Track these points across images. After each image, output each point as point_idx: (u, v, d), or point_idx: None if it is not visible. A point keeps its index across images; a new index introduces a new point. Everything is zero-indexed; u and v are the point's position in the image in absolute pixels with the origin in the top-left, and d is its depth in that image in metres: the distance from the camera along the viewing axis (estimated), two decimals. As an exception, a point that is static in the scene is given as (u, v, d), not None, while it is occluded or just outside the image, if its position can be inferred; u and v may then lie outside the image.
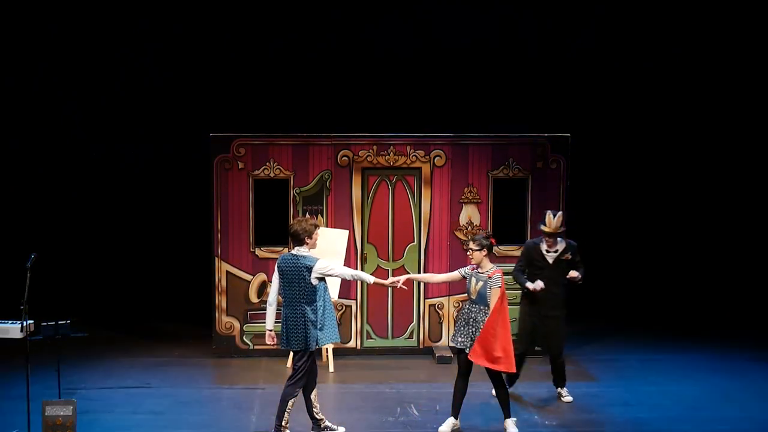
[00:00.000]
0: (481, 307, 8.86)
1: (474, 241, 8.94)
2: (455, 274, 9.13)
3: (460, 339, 8.95)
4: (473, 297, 8.91)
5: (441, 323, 11.85)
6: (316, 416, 8.92)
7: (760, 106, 14.53)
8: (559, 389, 10.18)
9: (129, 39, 13.83)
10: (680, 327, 13.25)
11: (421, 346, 11.87)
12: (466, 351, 8.87)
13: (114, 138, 14.21)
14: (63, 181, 14.22)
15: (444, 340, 11.83)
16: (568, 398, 10.08)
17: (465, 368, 9.02)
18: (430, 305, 11.84)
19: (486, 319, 8.77)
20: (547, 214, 9.90)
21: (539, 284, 9.87)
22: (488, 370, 8.94)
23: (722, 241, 14.91)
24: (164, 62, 13.94)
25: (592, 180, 14.08)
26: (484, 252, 8.90)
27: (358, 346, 11.84)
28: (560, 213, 9.94)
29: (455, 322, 9.22)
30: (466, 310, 8.99)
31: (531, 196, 11.80)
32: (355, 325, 11.80)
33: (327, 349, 11.25)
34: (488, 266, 8.91)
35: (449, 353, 11.42)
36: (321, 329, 8.68)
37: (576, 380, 10.84)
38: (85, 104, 14.06)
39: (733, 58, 14.38)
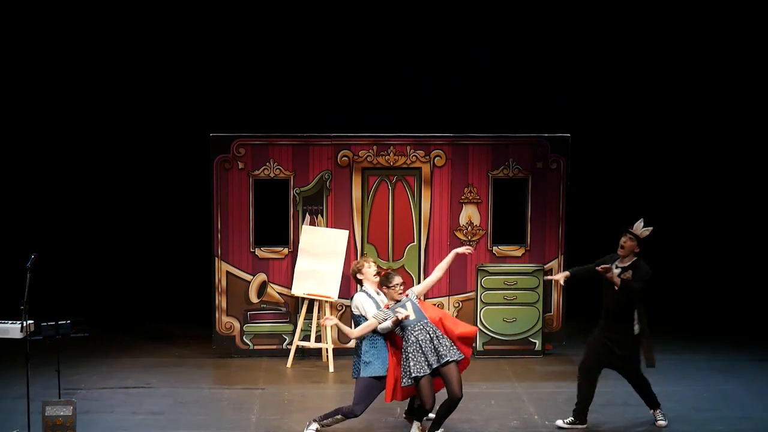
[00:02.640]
0: (425, 321, 8.66)
1: (398, 275, 8.79)
2: (371, 323, 8.67)
3: (433, 359, 8.52)
4: (414, 317, 8.61)
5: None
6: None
7: (762, 103, 14.52)
8: (651, 411, 9.37)
9: (129, 39, 13.84)
10: (680, 327, 13.24)
11: (421, 346, 11.86)
12: (448, 360, 8.55)
13: (114, 138, 14.22)
14: (63, 181, 14.22)
15: (444, 340, 11.83)
16: (661, 422, 9.30)
17: (432, 396, 8.67)
18: (430, 305, 11.84)
19: (434, 327, 8.66)
20: (641, 220, 9.15)
21: (561, 275, 9.40)
22: (453, 382, 8.62)
23: (722, 241, 14.91)
24: (164, 62, 13.94)
25: (592, 180, 14.08)
26: None
27: (358, 346, 11.82)
28: (651, 228, 9.10)
29: (406, 355, 8.57)
30: (418, 333, 8.57)
31: (531, 197, 11.80)
32: (355, 325, 11.78)
33: (327, 349, 11.26)
34: (397, 295, 8.75)
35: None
36: (366, 363, 8.75)
37: (576, 380, 10.83)
38: (85, 104, 14.07)
39: (734, 56, 14.38)
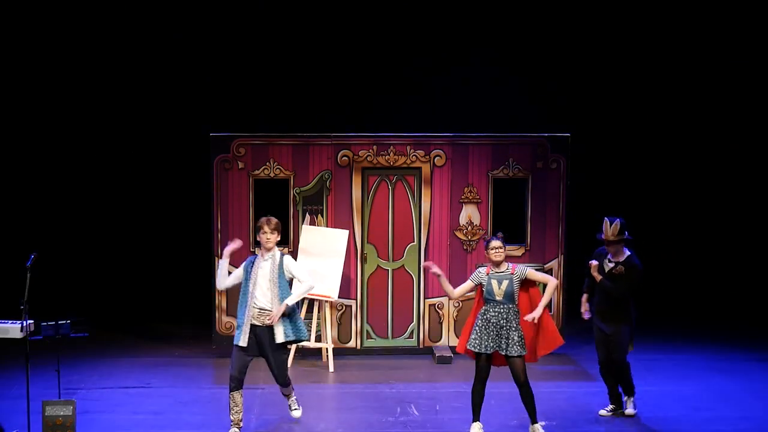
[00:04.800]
0: (510, 306, 8.65)
1: (497, 239, 8.67)
2: (467, 285, 8.80)
3: (491, 344, 8.62)
4: (498, 298, 8.63)
5: (441, 323, 11.86)
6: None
7: (762, 103, 14.53)
8: (625, 398, 9.56)
9: (129, 39, 13.85)
10: (680, 327, 13.25)
11: (421, 346, 11.87)
12: (506, 354, 8.63)
13: (114, 138, 14.22)
14: (63, 181, 14.23)
15: (444, 340, 11.83)
16: (630, 410, 9.50)
17: (486, 373, 8.77)
18: (430, 305, 11.85)
19: (517, 317, 8.66)
20: (605, 221, 9.26)
21: (584, 306, 9.47)
22: (515, 373, 8.75)
23: (722, 241, 14.92)
24: (164, 62, 13.94)
25: (592, 180, 14.08)
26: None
27: (358, 346, 11.84)
28: (618, 221, 9.18)
29: (475, 327, 8.71)
30: (493, 314, 8.64)
31: (531, 196, 11.81)
32: (355, 325, 11.79)
33: (327, 349, 11.26)
34: (505, 265, 8.73)
35: (449, 353, 11.43)
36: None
37: (576, 380, 10.85)
38: (85, 104, 14.08)
39: (734, 56, 14.39)
